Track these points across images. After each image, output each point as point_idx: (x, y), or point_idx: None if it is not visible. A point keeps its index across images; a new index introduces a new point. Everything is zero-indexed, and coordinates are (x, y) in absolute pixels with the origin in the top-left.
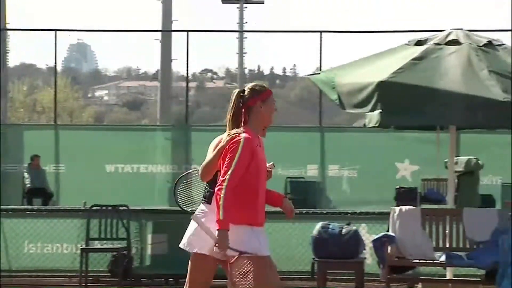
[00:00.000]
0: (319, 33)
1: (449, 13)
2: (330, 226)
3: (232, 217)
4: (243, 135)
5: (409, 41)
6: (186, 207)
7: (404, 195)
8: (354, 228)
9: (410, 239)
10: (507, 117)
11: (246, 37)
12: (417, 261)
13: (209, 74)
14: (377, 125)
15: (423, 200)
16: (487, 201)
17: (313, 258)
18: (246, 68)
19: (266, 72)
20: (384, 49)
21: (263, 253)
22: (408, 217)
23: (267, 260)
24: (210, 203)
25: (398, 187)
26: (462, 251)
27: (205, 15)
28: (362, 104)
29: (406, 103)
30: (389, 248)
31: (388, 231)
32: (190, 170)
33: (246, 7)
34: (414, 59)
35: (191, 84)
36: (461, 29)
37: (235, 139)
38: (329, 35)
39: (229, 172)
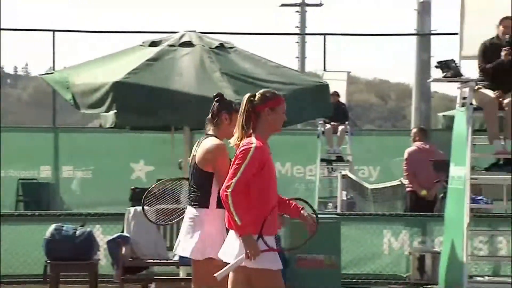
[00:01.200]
0: (52, 32)
1: (181, 14)
2: (64, 228)
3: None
4: (254, 144)
5: (143, 42)
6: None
7: (139, 196)
8: (88, 229)
9: (144, 239)
10: None
11: None
12: (151, 261)
13: None
14: (112, 125)
15: None
16: None
17: (46, 261)
18: None
19: None
20: (119, 50)
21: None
22: (143, 218)
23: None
24: (207, 207)
25: (133, 187)
26: None
27: None
28: (97, 104)
29: (141, 103)
30: (124, 248)
31: (123, 231)
32: (150, 187)
33: None
34: (149, 60)
35: None
36: (194, 31)
37: (245, 147)
38: (62, 34)
39: (235, 179)
